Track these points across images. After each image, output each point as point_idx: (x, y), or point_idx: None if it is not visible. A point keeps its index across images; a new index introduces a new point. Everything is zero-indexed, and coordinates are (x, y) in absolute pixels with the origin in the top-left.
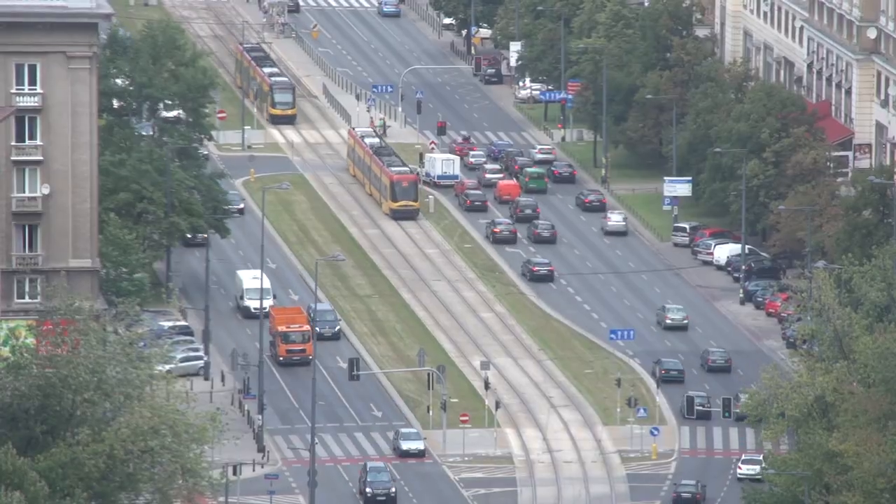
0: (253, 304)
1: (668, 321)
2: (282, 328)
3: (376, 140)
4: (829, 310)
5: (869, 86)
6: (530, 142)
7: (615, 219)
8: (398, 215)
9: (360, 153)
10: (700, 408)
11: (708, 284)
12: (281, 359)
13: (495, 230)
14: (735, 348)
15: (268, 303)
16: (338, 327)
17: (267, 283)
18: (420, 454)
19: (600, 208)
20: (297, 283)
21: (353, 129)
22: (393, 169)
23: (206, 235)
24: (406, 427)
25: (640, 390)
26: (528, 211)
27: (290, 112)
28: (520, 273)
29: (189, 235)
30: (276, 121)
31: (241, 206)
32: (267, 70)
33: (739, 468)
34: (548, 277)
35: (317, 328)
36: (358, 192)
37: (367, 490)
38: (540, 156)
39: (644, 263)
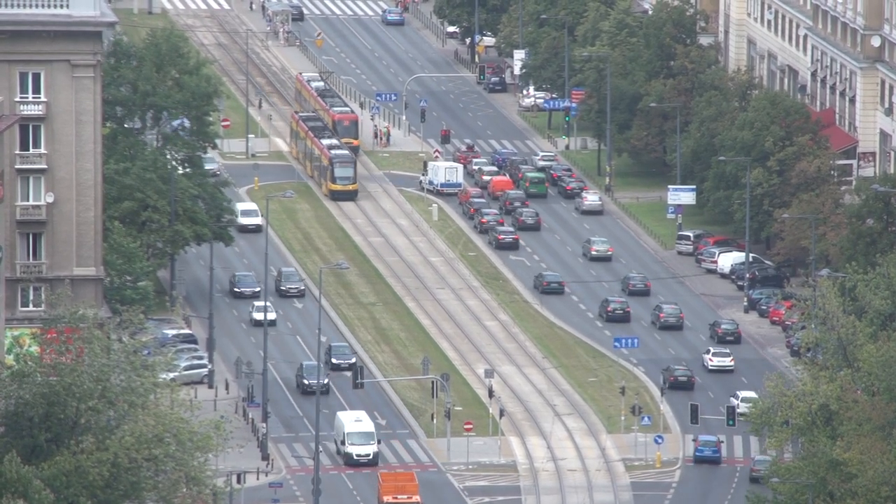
0: (356, 450)
1: (593, 252)
2: (387, 499)
3: (321, 84)
4: (833, 318)
5: (873, 94)
6: (534, 150)
7: (591, 199)
8: None
9: (306, 96)
10: (620, 312)
11: (712, 293)
12: None
13: (483, 220)
14: (739, 356)
15: (371, 449)
16: None
17: (370, 426)
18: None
19: (580, 195)
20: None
21: (301, 73)
22: (335, 109)
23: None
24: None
25: (644, 398)
26: (517, 204)
27: (350, 188)
28: (487, 243)
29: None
30: (337, 197)
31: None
32: (326, 142)
33: (710, 360)
34: (513, 245)
35: None
36: (363, 199)
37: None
38: (542, 163)
39: (648, 271)
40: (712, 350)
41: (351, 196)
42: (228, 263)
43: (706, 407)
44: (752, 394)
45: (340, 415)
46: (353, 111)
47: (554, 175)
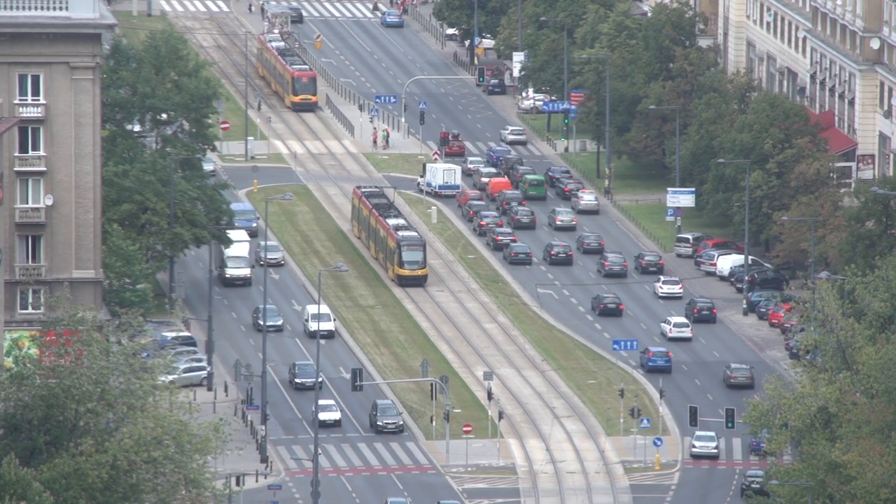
0: None
1: (557, 223)
2: None
3: (282, 44)
4: (833, 320)
5: (872, 96)
6: (533, 152)
7: (587, 198)
8: (299, 108)
9: (268, 56)
10: (563, 255)
11: (711, 295)
12: None
13: (482, 223)
14: (738, 359)
15: None
16: None
17: None
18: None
19: (576, 194)
20: (300, 293)
21: (262, 34)
22: (294, 67)
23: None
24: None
25: (644, 401)
26: (513, 203)
27: (419, 272)
28: (486, 244)
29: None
30: (405, 283)
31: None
32: (392, 222)
33: (661, 287)
34: (507, 245)
35: None
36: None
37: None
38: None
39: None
40: (663, 278)
41: (420, 282)
42: (287, 352)
43: (635, 330)
44: (682, 319)
45: None
46: (311, 69)
47: (553, 177)
